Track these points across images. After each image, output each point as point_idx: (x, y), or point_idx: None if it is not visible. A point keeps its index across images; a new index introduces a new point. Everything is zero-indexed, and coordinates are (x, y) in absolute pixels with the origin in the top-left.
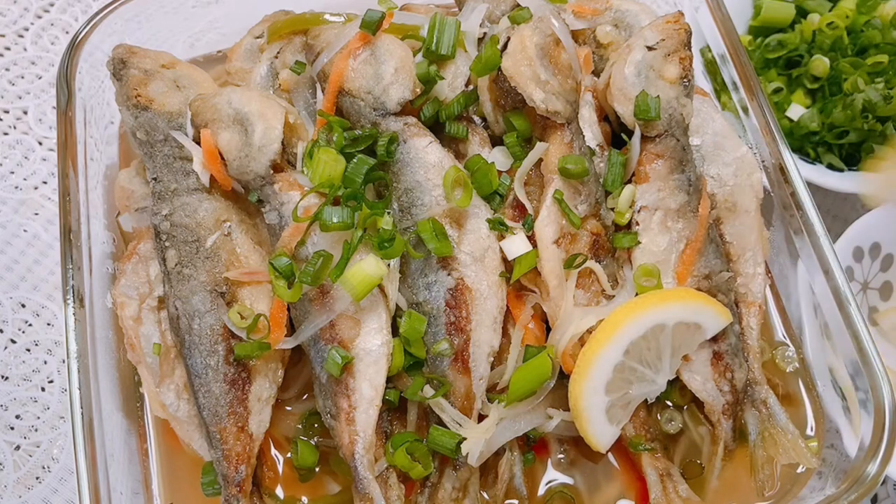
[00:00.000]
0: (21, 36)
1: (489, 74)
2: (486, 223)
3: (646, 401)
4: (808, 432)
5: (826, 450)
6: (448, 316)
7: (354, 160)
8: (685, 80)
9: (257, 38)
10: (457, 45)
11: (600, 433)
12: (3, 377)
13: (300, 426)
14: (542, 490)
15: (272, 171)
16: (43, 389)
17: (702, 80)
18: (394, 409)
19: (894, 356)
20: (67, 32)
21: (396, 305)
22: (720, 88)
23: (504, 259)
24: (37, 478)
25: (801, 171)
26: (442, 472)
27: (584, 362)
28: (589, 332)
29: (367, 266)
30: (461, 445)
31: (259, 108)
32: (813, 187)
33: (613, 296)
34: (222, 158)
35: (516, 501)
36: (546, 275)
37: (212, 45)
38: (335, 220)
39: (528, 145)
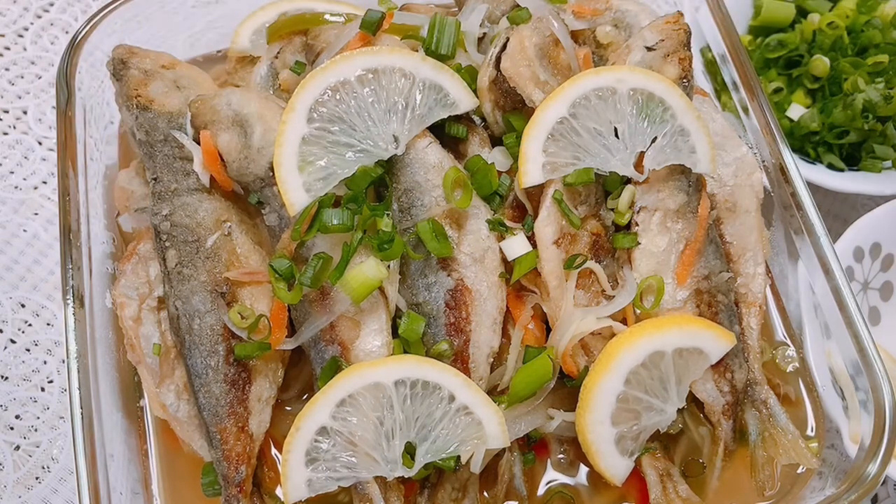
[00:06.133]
0: (21, 36)
1: (489, 75)
2: (486, 224)
3: None
4: (809, 433)
5: (826, 450)
6: (448, 317)
7: (357, 171)
8: (684, 80)
9: None
10: (457, 45)
11: (613, 465)
12: (2, 377)
13: None
14: (542, 490)
15: (272, 173)
16: (43, 389)
17: (702, 80)
18: None
19: None
20: (67, 32)
21: (396, 306)
22: (720, 88)
23: (504, 260)
24: (36, 478)
25: (801, 171)
26: (441, 472)
27: (585, 395)
28: (592, 334)
29: (367, 269)
30: None
31: (258, 110)
32: (813, 187)
33: (613, 296)
34: (222, 159)
35: (516, 502)
36: (546, 275)
37: (212, 45)
38: (335, 222)
39: None
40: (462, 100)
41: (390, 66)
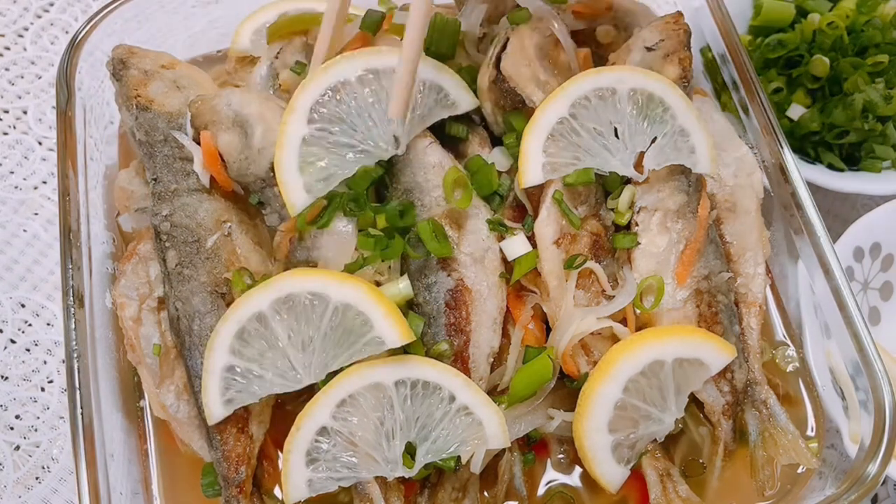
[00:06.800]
0: (21, 36)
1: (489, 75)
2: (486, 224)
3: None
4: (809, 433)
5: (826, 450)
6: (448, 317)
7: (357, 171)
8: (684, 80)
9: None
10: (457, 45)
11: (609, 473)
12: (2, 377)
13: None
14: (542, 490)
15: (272, 174)
16: (43, 389)
17: (702, 80)
18: None
19: None
20: (67, 32)
21: None
22: (720, 88)
23: (504, 260)
24: (36, 478)
25: (801, 171)
26: (442, 472)
27: (583, 401)
28: (592, 334)
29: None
30: None
31: (258, 110)
32: (813, 187)
33: (613, 296)
34: (222, 160)
35: (516, 502)
36: (546, 275)
37: (212, 45)
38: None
39: None
40: (462, 100)
41: (390, 66)
